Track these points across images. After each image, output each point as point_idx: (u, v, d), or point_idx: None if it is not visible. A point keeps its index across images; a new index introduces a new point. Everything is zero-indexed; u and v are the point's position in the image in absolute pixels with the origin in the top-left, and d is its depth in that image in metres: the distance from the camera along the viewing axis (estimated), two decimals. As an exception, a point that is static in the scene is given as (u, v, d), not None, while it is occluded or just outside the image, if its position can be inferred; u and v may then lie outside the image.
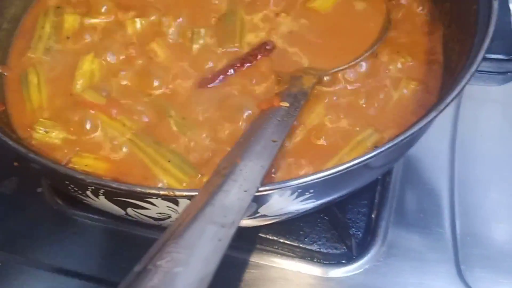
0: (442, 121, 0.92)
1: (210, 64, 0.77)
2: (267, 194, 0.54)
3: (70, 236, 0.82)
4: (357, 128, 0.70)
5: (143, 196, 0.56)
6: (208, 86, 0.75)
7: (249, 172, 0.53)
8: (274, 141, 0.60)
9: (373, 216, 0.81)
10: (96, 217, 0.80)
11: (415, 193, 0.85)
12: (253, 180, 0.52)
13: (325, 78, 0.73)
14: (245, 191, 0.51)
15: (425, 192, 0.85)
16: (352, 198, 0.81)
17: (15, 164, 0.87)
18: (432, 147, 0.89)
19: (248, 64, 0.75)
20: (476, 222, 0.82)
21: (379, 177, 0.83)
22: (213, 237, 0.45)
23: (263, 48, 0.76)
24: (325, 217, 0.80)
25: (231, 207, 0.49)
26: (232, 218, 0.48)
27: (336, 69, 0.75)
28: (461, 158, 0.88)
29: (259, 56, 0.75)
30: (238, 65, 0.75)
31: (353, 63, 0.75)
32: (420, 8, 0.82)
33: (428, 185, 0.87)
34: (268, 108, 0.66)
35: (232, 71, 0.75)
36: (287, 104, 0.67)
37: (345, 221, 0.79)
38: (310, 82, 0.71)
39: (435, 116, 0.56)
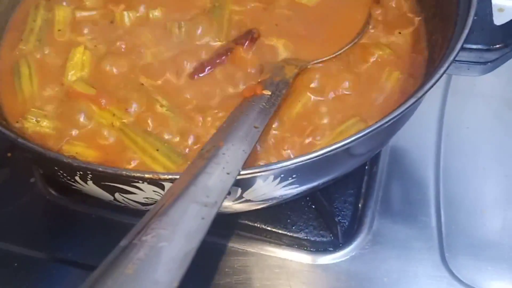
0: (428, 113, 0.94)
1: (200, 55, 0.79)
2: (250, 178, 0.56)
3: (62, 225, 0.84)
4: (342, 118, 0.71)
5: (129, 181, 0.57)
6: (198, 76, 0.77)
7: (231, 155, 0.55)
8: (256, 127, 0.61)
9: (359, 205, 0.83)
10: (89, 206, 0.82)
11: (401, 183, 0.87)
12: (235, 164, 0.54)
13: (309, 67, 0.75)
14: (228, 173, 0.52)
15: (411, 183, 0.87)
16: (339, 187, 0.83)
17: (8, 155, 0.89)
18: (419, 138, 0.91)
19: (230, 53, 0.77)
20: (461, 212, 0.83)
21: (366, 166, 0.85)
22: (196, 215, 0.47)
23: (249, 37, 0.78)
24: (312, 206, 0.81)
25: (213, 188, 0.50)
26: (215, 198, 0.49)
27: (318, 61, 0.77)
28: (447, 149, 0.90)
29: (244, 45, 0.77)
30: (225, 54, 0.77)
31: (334, 55, 0.77)
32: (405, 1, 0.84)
33: (414, 175, 0.88)
34: (251, 96, 0.68)
35: (219, 60, 0.77)
36: (269, 92, 0.68)
37: (331, 210, 0.80)
38: (292, 72, 0.73)
39: (414, 103, 0.57)
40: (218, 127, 0.64)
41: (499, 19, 0.98)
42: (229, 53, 0.78)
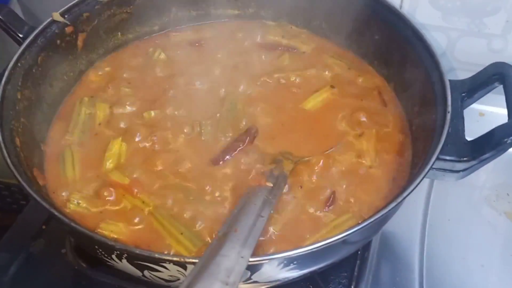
0: (416, 202, 1.06)
1: (216, 149, 0.91)
2: (257, 264, 0.67)
3: (89, 294, 0.94)
4: (335, 215, 0.83)
5: (159, 261, 0.69)
6: (215, 166, 0.89)
7: (243, 241, 0.67)
8: (261, 217, 0.73)
9: (352, 287, 0.93)
10: (113, 277, 0.92)
11: (389, 268, 0.97)
12: (247, 249, 0.66)
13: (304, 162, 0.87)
14: (242, 257, 0.64)
15: (398, 267, 0.97)
16: (334, 270, 0.93)
17: (43, 227, 1.01)
18: (406, 227, 1.03)
19: (240, 148, 0.90)
20: (441, 295, 0.94)
21: (359, 252, 0.96)
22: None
23: (250, 133, 0.91)
24: (310, 286, 0.92)
25: (231, 269, 0.62)
26: (233, 278, 0.61)
27: (311, 157, 0.88)
28: (430, 238, 1.01)
29: (246, 142, 0.90)
30: (233, 148, 0.90)
31: (326, 152, 0.89)
32: (395, 110, 0.98)
33: (401, 261, 0.99)
34: (256, 186, 0.80)
35: (229, 155, 0.90)
36: (271, 185, 0.81)
37: (326, 290, 0.91)
38: (289, 166, 0.85)
39: (392, 208, 0.70)
40: (232, 211, 0.76)
41: (480, 123, 1.11)
42: (236, 147, 0.90)
